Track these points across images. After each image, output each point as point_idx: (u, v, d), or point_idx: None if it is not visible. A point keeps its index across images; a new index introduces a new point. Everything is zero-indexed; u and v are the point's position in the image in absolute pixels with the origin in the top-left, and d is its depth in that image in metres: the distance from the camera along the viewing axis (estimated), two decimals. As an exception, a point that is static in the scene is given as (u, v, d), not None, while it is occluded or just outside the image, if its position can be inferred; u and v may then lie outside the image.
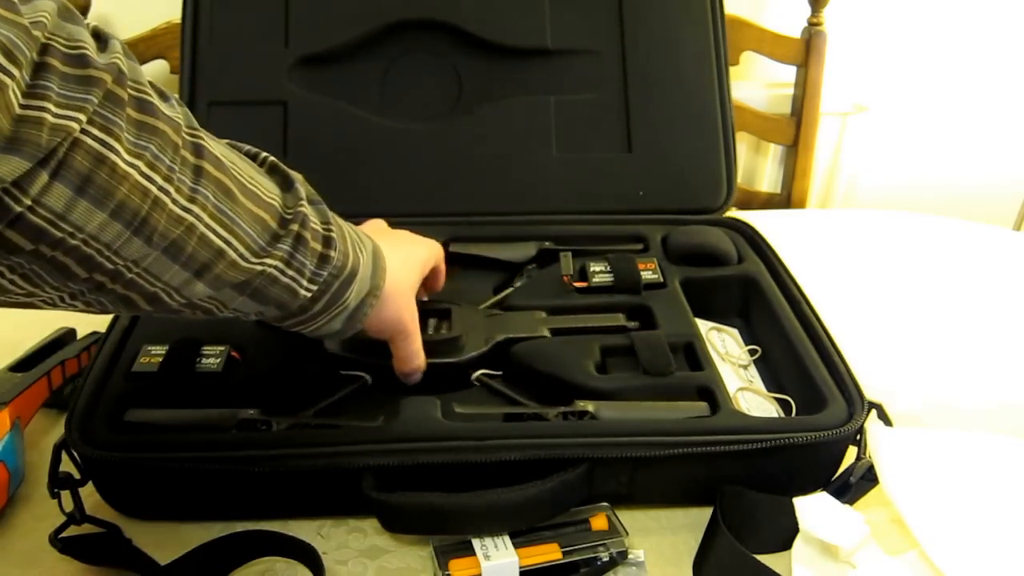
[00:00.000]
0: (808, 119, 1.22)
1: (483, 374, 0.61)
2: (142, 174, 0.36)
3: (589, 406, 0.56)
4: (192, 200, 0.39)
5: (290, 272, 0.45)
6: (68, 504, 0.50)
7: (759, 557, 0.49)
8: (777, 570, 0.48)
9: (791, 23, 1.20)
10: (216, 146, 0.42)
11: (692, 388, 0.59)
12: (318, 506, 0.55)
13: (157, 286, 0.40)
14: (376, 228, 0.61)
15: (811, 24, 1.18)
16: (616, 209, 0.82)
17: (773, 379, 0.65)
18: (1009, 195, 1.42)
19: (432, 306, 0.63)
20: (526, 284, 0.72)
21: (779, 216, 1.04)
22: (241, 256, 0.42)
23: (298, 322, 0.50)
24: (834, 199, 1.42)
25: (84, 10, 1.05)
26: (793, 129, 1.23)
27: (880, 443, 0.53)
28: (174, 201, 0.38)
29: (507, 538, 0.50)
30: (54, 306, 0.40)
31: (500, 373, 0.62)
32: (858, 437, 0.55)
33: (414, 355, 0.57)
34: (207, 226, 0.40)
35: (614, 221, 0.80)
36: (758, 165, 1.36)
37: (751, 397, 0.63)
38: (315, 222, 0.47)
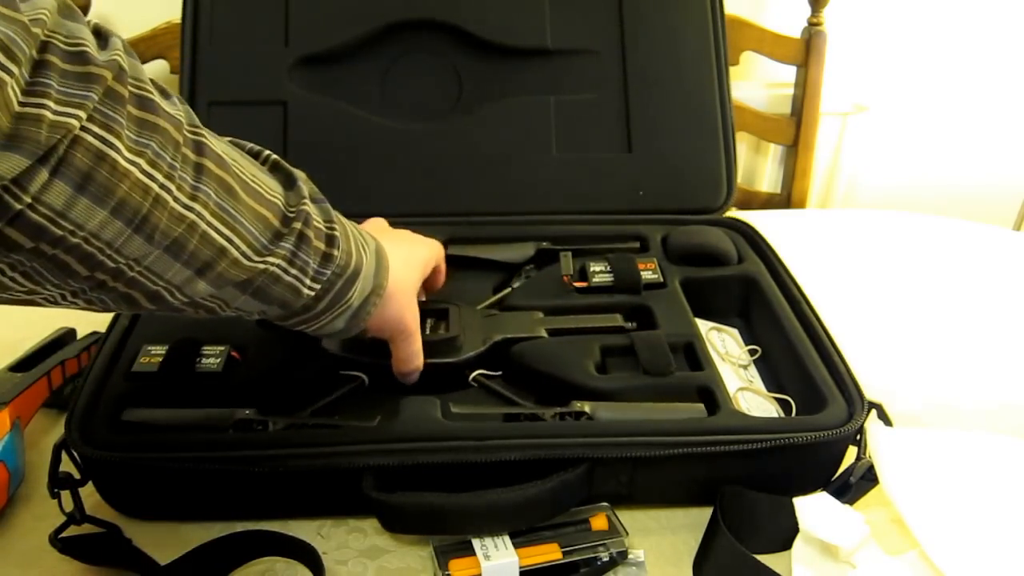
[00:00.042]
0: (808, 119, 1.22)
1: (480, 374, 0.61)
2: (143, 172, 0.36)
3: (586, 406, 0.56)
4: (194, 198, 0.39)
5: (293, 271, 0.45)
6: (68, 504, 0.50)
7: (759, 557, 0.49)
8: (777, 570, 0.48)
9: (791, 23, 1.20)
10: (218, 144, 0.42)
11: (692, 388, 0.59)
12: (318, 506, 0.55)
13: (159, 284, 0.40)
14: (377, 227, 0.61)
15: (811, 24, 1.18)
16: (616, 209, 0.82)
17: (773, 379, 0.65)
18: (1009, 195, 1.42)
19: (430, 306, 0.63)
20: (525, 284, 0.72)
21: (779, 216, 1.04)
22: (243, 254, 0.42)
23: (301, 321, 0.50)
24: (834, 199, 1.42)
25: (84, 10, 1.06)
26: (793, 129, 1.23)
27: (880, 443, 0.53)
28: (175, 199, 0.38)
29: (507, 538, 0.50)
30: (55, 304, 0.40)
31: (498, 373, 0.62)
32: (858, 437, 0.55)
33: (414, 355, 0.57)
34: (209, 224, 0.40)
35: (614, 221, 0.80)
36: (758, 165, 1.36)
37: (751, 397, 0.63)
38: (318, 220, 0.47)
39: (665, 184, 0.84)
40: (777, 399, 0.62)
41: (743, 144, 1.33)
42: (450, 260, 0.69)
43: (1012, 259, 0.92)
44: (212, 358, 0.59)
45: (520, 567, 0.49)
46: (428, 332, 0.61)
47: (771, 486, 0.53)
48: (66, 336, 0.68)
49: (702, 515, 0.54)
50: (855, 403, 0.55)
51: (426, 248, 0.61)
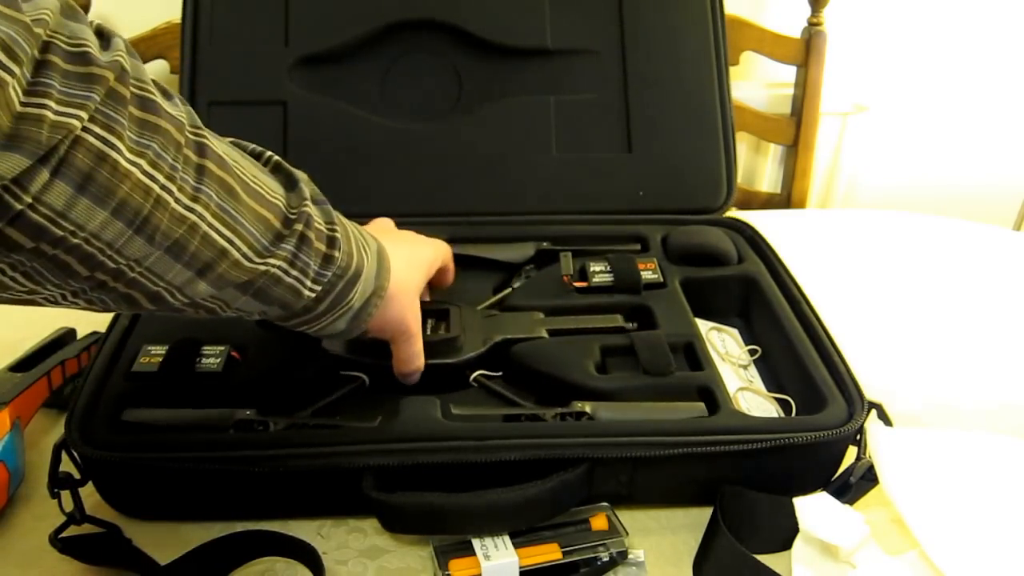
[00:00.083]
0: (808, 119, 1.22)
1: (481, 375, 0.61)
2: (144, 173, 0.36)
3: (587, 407, 0.56)
4: (195, 199, 0.39)
5: (294, 272, 0.45)
6: (68, 504, 0.50)
7: (759, 557, 0.49)
8: (777, 570, 0.48)
9: (791, 23, 1.20)
10: (219, 145, 0.42)
11: (692, 388, 0.59)
12: (318, 506, 0.55)
13: (159, 285, 0.40)
14: (382, 228, 0.61)
15: (811, 24, 1.18)
16: (616, 209, 0.82)
17: (773, 379, 0.65)
18: (1009, 195, 1.42)
19: (430, 307, 0.63)
20: (526, 284, 0.72)
21: (779, 216, 1.04)
22: (244, 256, 0.42)
23: (302, 322, 0.50)
24: (834, 199, 1.42)
25: (84, 10, 1.06)
26: (793, 129, 1.23)
27: (880, 443, 0.53)
28: (176, 200, 0.38)
29: (507, 538, 0.50)
30: (56, 304, 0.40)
31: (499, 374, 0.62)
32: (858, 437, 0.55)
33: (415, 356, 0.57)
34: (210, 225, 0.40)
35: (614, 221, 0.80)
36: (758, 165, 1.36)
37: (751, 397, 0.63)
38: (319, 222, 0.47)
39: (665, 184, 0.84)
40: (777, 399, 0.62)
41: (743, 144, 1.33)
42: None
43: (1012, 259, 0.92)
44: (212, 358, 0.59)
45: (520, 567, 0.49)
46: (429, 333, 0.61)
47: (771, 486, 0.53)
48: (66, 336, 0.68)
49: (702, 515, 0.54)
50: (855, 403, 0.55)
51: (431, 249, 0.61)
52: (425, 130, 0.83)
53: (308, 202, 0.46)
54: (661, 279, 0.70)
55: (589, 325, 0.65)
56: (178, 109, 0.39)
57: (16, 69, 0.30)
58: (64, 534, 0.49)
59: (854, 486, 0.54)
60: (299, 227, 0.45)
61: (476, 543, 0.50)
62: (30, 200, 0.33)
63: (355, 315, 0.51)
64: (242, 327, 0.59)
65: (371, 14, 0.83)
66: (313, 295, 0.47)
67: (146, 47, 1.08)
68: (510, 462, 0.51)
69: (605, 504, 0.54)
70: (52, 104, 0.32)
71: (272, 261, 0.44)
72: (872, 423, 0.55)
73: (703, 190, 0.84)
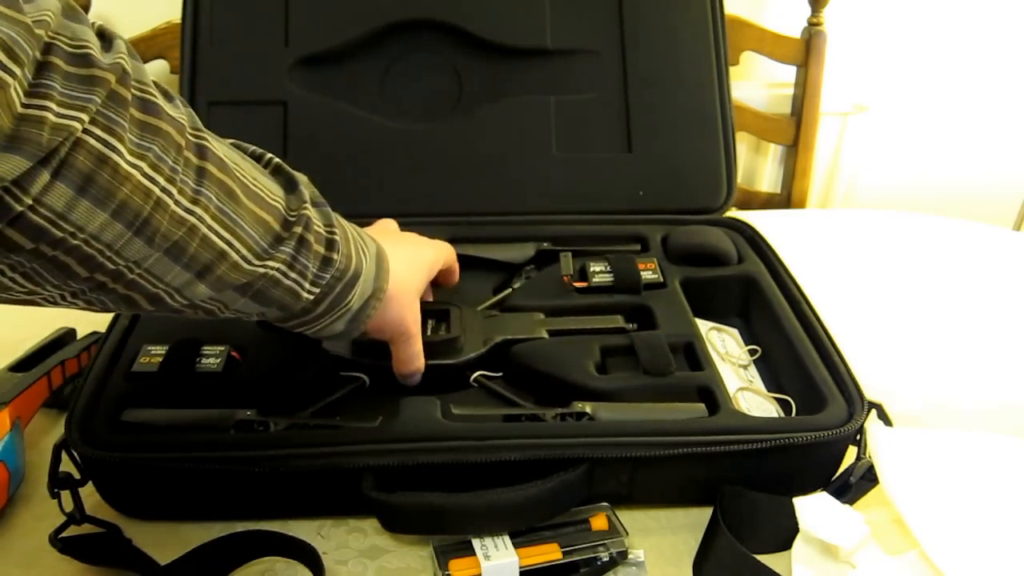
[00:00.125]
0: (808, 119, 1.22)
1: (481, 375, 0.61)
2: (144, 175, 0.36)
3: (587, 407, 0.56)
4: (195, 202, 0.39)
5: (293, 275, 0.45)
6: (68, 504, 0.50)
7: (759, 557, 0.49)
8: (777, 570, 0.48)
9: (791, 23, 1.20)
10: (220, 147, 0.42)
11: (692, 388, 0.59)
12: (318, 506, 0.55)
13: (159, 287, 0.40)
14: (384, 229, 0.61)
15: (811, 24, 1.18)
16: (616, 209, 0.82)
17: (773, 379, 0.65)
18: (1009, 195, 1.42)
19: (431, 307, 0.63)
20: (526, 285, 0.72)
21: (779, 216, 1.04)
22: (243, 258, 0.42)
23: (301, 323, 0.50)
24: (834, 199, 1.42)
25: (84, 10, 1.05)
26: (793, 129, 1.23)
27: (880, 443, 0.53)
28: (176, 202, 0.38)
29: (507, 538, 0.50)
30: (55, 304, 0.40)
31: (499, 374, 0.62)
32: (858, 437, 0.55)
33: (414, 357, 0.57)
34: (209, 228, 0.40)
35: (614, 221, 0.80)
36: (758, 165, 1.36)
37: (751, 397, 0.63)
38: (318, 225, 0.47)
39: (665, 184, 0.84)
40: (777, 399, 0.62)
41: (743, 144, 1.33)
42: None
43: (1012, 259, 0.92)
44: (212, 358, 0.59)
45: (520, 567, 0.49)
46: (429, 333, 0.61)
47: (771, 486, 0.53)
48: (66, 336, 0.68)
49: (702, 515, 0.55)
50: (855, 403, 0.55)
51: (432, 250, 0.61)
52: (425, 130, 0.83)
53: (307, 205, 0.46)
54: (661, 279, 0.70)
55: (589, 325, 0.65)
56: (179, 111, 0.39)
57: (17, 70, 0.30)
58: (64, 534, 0.49)
59: (854, 486, 0.54)
60: (298, 230, 0.45)
61: (476, 543, 0.50)
62: (30, 201, 0.33)
63: (354, 316, 0.51)
64: (242, 327, 0.59)
65: (371, 14, 0.83)
66: (312, 297, 0.47)
67: (146, 47, 1.08)
68: (510, 462, 0.51)
69: (605, 504, 0.54)
70: (53, 106, 0.32)
71: (271, 263, 0.44)
72: (872, 423, 0.55)
73: (703, 190, 0.84)
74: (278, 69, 0.82)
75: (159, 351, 0.59)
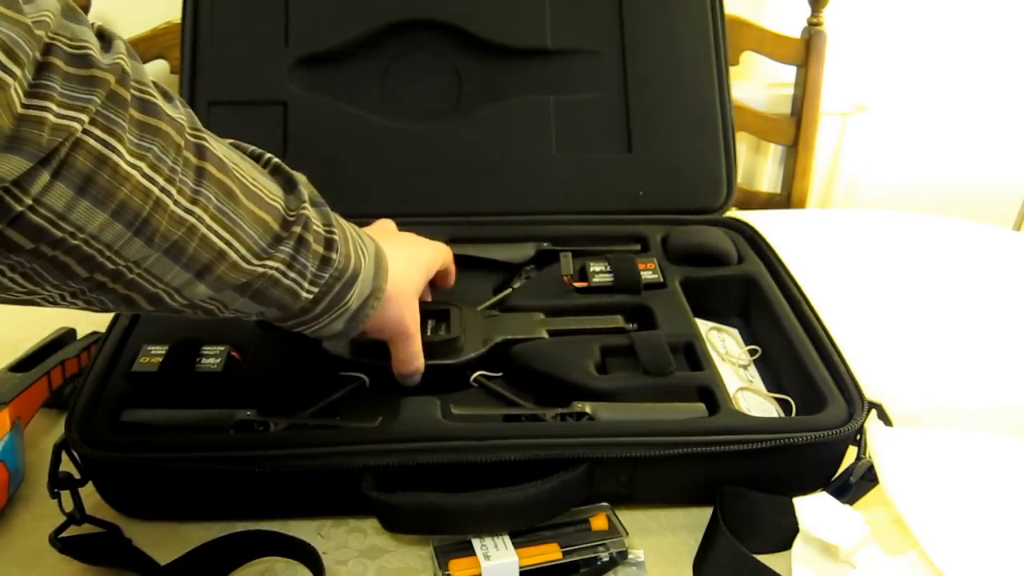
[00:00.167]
0: (808, 119, 1.22)
1: (481, 375, 0.61)
2: (144, 175, 0.36)
3: (587, 407, 0.56)
4: (194, 202, 0.39)
5: (292, 274, 0.45)
6: (68, 504, 0.50)
7: (759, 557, 0.49)
8: (777, 570, 0.48)
9: (791, 23, 1.20)
10: (219, 147, 0.42)
11: (692, 388, 0.59)
12: (318, 506, 0.55)
13: (158, 287, 0.41)
14: (383, 229, 0.61)
15: (811, 24, 1.18)
16: (616, 209, 0.82)
17: (773, 379, 0.65)
18: (1009, 195, 1.42)
19: (430, 307, 0.63)
20: (526, 285, 0.72)
21: (779, 216, 1.04)
22: (243, 258, 0.42)
23: (300, 323, 0.50)
24: (834, 199, 1.42)
25: (84, 10, 1.05)
26: (793, 129, 1.23)
27: (880, 443, 0.53)
28: (176, 202, 0.38)
29: (507, 538, 0.50)
30: (55, 304, 0.40)
31: (499, 374, 0.62)
32: (858, 437, 0.55)
33: (414, 357, 0.57)
34: (209, 228, 0.40)
35: (614, 221, 0.80)
36: (758, 165, 1.36)
37: (751, 397, 0.63)
38: (317, 224, 0.47)
39: (665, 184, 0.84)
40: (777, 399, 0.62)
41: (743, 144, 1.33)
42: (452, 259, 0.69)
43: (1012, 259, 0.92)
44: (212, 358, 0.59)
45: (520, 567, 0.49)
46: (428, 333, 0.61)
47: (771, 486, 0.53)
48: (66, 336, 0.68)
49: (702, 515, 0.55)
50: (855, 403, 0.55)
51: (430, 250, 0.61)
52: (425, 130, 0.83)
53: (306, 204, 0.46)
54: (661, 279, 0.70)
55: (589, 325, 0.65)
56: (178, 111, 0.39)
57: (17, 71, 0.30)
58: (64, 534, 0.49)
59: (854, 486, 0.54)
60: (297, 229, 0.45)
61: (476, 543, 0.50)
62: (30, 202, 0.33)
63: (352, 316, 0.51)
64: (242, 327, 0.59)
65: (371, 14, 0.83)
66: (311, 296, 0.47)
67: (146, 47, 1.08)
68: (510, 462, 0.51)
69: (605, 504, 0.54)
70: (53, 106, 0.32)
71: (270, 263, 0.44)
72: (872, 423, 0.55)
73: (703, 190, 0.84)
74: (278, 69, 0.82)
75: (159, 351, 0.59)
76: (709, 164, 0.84)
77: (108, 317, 0.63)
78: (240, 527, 0.53)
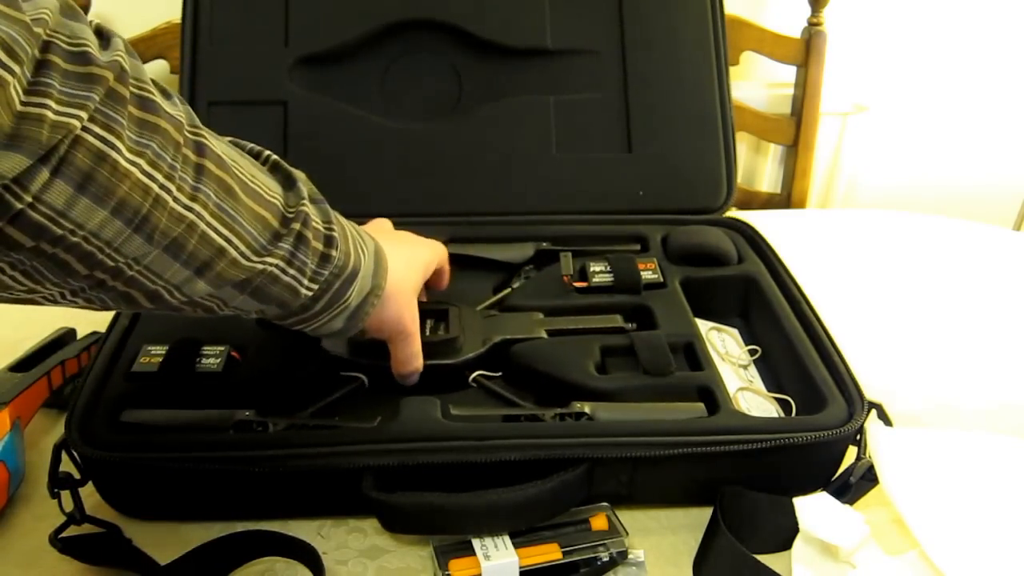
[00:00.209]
0: (808, 119, 1.22)
1: (480, 375, 0.61)
2: (143, 172, 0.36)
3: (586, 407, 0.56)
4: (193, 198, 0.39)
5: (291, 271, 0.45)
6: (68, 504, 0.50)
7: (759, 557, 0.49)
8: (777, 570, 0.48)
9: (791, 23, 1.20)
10: (218, 144, 0.42)
11: (692, 388, 0.59)
12: (318, 506, 0.55)
13: (158, 284, 0.41)
14: (380, 228, 0.61)
15: (811, 24, 1.18)
16: (616, 209, 0.82)
17: (773, 379, 0.65)
18: (1009, 195, 1.42)
19: (429, 307, 0.63)
20: (525, 284, 0.72)
21: (779, 216, 1.04)
22: (242, 255, 0.42)
23: (299, 320, 0.50)
24: (834, 199, 1.42)
25: (84, 10, 1.05)
26: (793, 129, 1.23)
27: (880, 443, 0.53)
28: (175, 199, 0.38)
29: (507, 538, 0.50)
30: (55, 302, 0.40)
31: (498, 374, 0.62)
32: (858, 437, 0.55)
33: (413, 356, 0.57)
34: (208, 224, 0.40)
35: (614, 221, 0.80)
36: (758, 165, 1.36)
37: (751, 397, 0.63)
38: (317, 221, 0.47)
39: (665, 184, 0.84)
40: (777, 399, 0.62)
41: (743, 144, 1.33)
42: (450, 259, 0.69)
43: (1012, 259, 0.92)
44: (212, 358, 0.59)
45: (520, 567, 0.49)
46: (428, 333, 0.61)
47: (771, 486, 0.53)
48: (66, 336, 0.68)
49: (702, 515, 0.54)
50: (855, 403, 0.55)
51: (428, 250, 0.61)
52: (425, 130, 0.83)
53: (306, 201, 0.46)
54: (661, 279, 0.70)
55: (589, 325, 0.65)
56: (177, 109, 0.39)
57: (16, 68, 0.30)
58: (64, 534, 0.49)
59: (854, 486, 0.54)
60: (296, 226, 0.45)
61: (476, 543, 0.50)
62: (30, 199, 0.33)
63: (352, 313, 0.51)
64: (242, 327, 0.59)
65: (371, 14, 0.83)
66: (310, 293, 0.47)
67: (146, 47, 1.08)
68: (510, 462, 0.51)
69: (605, 504, 0.54)
70: (52, 104, 0.32)
71: (270, 260, 0.44)
72: (872, 423, 0.55)
73: (703, 190, 0.84)
74: (278, 69, 0.82)
75: (159, 351, 0.59)
76: (709, 164, 0.84)
77: (108, 317, 0.63)
78: (240, 527, 0.53)
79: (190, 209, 0.39)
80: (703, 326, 0.69)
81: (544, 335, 0.63)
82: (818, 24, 1.18)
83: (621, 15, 0.85)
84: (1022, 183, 1.42)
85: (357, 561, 0.52)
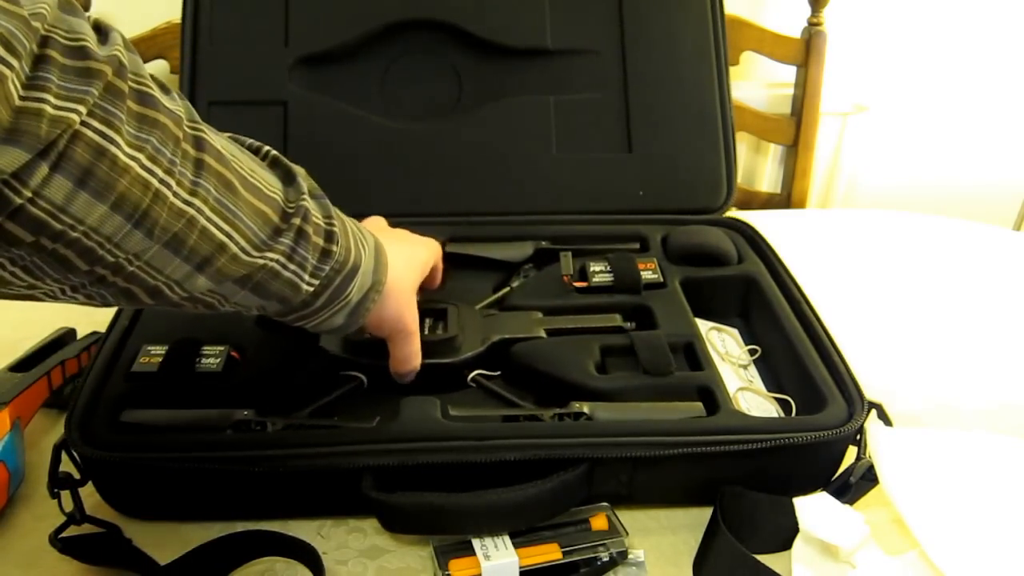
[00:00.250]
0: (808, 119, 1.22)
1: (479, 374, 0.61)
2: (143, 167, 0.36)
3: (585, 407, 0.56)
4: (193, 193, 0.39)
5: (292, 266, 0.45)
6: (68, 504, 0.50)
7: (759, 557, 0.49)
8: (777, 570, 0.48)
9: (791, 23, 1.20)
10: (217, 139, 0.42)
11: (692, 388, 0.59)
12: (318, 506, 0.55)
13: (158, 279, 0.40)
14: (375, 226, 0.61)
15: (811, 24, 1.19)
16: (616, 209, 0.82)
17: (773, 379, 0.65)
18: (1009, 195, 1.42)
19: (429, 306, 0.63)
20: (525, 284, 0.72)
21: (779, 216, 1.04)
22: (242, 250, 0.42)
23: (300, 317, 0.50)
24: (834, 199, 1.42)
25: (84, 10, 1.05)
26: (793, 129, 1.23)
27: (880, 443, 0.53)
28: (175, 194, 0.38)
29: (507, 538, 0.50)
30: (55, 298, 0.40)
31: (497, 374, 0.62)
32: (858, 437, 0.55)
33: (412, 355, 0.56)
34: (208, 219, 0.40)
35: (614, 221, 0.80)
36: (758, 165, 1.36)
37: (751, 397, 0.63)
38: (317, 216, 0.47)
39: (665, 184, 0.84)
40: (777, 399, 0.62)
41: (743, 144, 1.33)
42: (449, 258, 0.69)
43: (1012, 259, 0.92)
44: (212, 358, 0.59)
45: (520, 567, 0.49)
46: (427, 332, 0.61)
47: (771, 486, 0.53)
48: (66, 336, 0.68)
49: (702, 515, 0.54)
50: (855, 403, 0.55)
51: (425, 248, 0.61)
52: (425, 130, 0.83)
53: (306, 196, 0.46)
54: (661, 279, 0.70)
55: (588, 325, 0.65)
56: (176, 104, 0.39)
57: (15, 63, 0.30)
58: (64, 534, 0.49)
59: (854, 486, 0.54)
60: (297, 221, 0.45)
61: (476, 543, 0.50)
62: (30, 194, 0.33)
63: (353, 309, 0.51)
64: (242, 327, 0.59)
65: (371, 14, 0.83)
66: (311, 289, 0.47)
67: (146, 47, 1.08)
68: (510, 462, 0.51)
69: (605, 504, 0.54)
70: (51, 98, 0.32)
71: (270, 255, 0.44)
72: (872, 423, 0.55)
73: (703, 190, 0.84)
74: (278, 69, 0.82)
75: (159, 351, 0.59)
76: (709, 164, 0.84)
77: (108, 317, 0.63)
78: (240, 527, 0.53)
79: (190, 204, 0.39)
80: (703, 326, 0.69)
81: (543, 335, 0.63)
82: (818, 24, 1.18)
83: (621, 15, 0.85)
84: (1022, 183, 1.42)
85: (357, 561, 0.52)
